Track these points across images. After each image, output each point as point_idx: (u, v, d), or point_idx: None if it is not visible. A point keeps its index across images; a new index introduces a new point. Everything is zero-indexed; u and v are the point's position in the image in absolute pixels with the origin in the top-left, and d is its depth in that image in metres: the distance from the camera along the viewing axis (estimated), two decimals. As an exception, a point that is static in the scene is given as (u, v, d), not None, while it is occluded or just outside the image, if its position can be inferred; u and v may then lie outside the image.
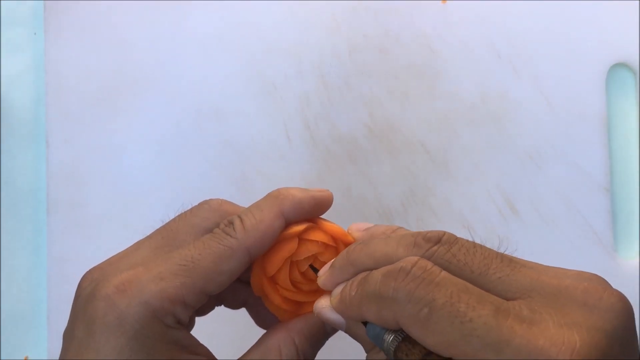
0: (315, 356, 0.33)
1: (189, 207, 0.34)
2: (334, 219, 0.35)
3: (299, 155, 0.51)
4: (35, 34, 0.53)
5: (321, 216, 0.35)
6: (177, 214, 0.34)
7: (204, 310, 0.36)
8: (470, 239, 0.29)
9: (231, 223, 0.32)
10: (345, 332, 0.32)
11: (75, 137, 0.50)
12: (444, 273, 0.27)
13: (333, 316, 0.31)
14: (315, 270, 0.33)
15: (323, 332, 0.33)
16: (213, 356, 0.32)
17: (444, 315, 0.26)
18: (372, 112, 0.51)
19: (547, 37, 0.52)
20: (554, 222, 0.50)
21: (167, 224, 0.33)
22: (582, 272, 0.28)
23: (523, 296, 0.26)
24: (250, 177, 0.50)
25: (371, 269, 0.29)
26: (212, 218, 0.33)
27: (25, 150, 0.51)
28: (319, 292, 0.33)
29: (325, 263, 0.33)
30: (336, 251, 0.34)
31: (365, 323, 0.30)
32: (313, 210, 0.34)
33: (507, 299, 0.27)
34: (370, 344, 0.30)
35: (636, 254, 0.50)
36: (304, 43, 0.52)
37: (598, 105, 0.51)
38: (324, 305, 0.31)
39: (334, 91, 0.51)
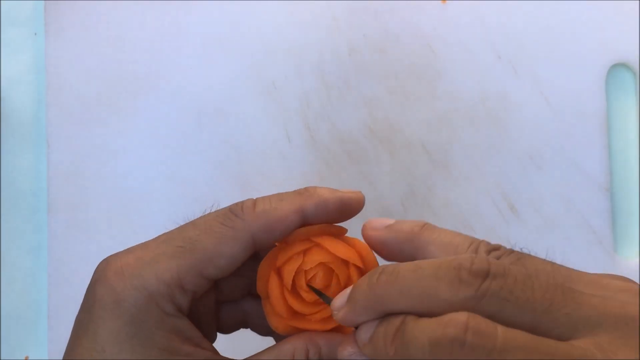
0: None
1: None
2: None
3: (299, 155, 0.51)
4: (35, 34, 0.53)
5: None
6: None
7: (228, 328, 0.34)
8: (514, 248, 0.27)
9: (242, 205, 0.30)
10: None
11: (76, 137, 0.51)
12: (501, 333, 0.23)
13: None
14: (315, 290, 0.30)
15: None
16: (217, 352, 0.31)
17: None
18: (372, 112, 0.51)
19: (547, 37, 0.52)
20: (554, 222, 0.50)
21: (191, 220, 0.31)
22: (635, 285, 0.26)
23: (591, 333, 0.24)
24: (251, 177, 0.50)
25: (404, 311, 0.26)
26: None
27: (25, 150, 0.52)
28: (319, 305, 0.31)
29: (338, 277, 0.30)
30: (360, 272, 0.31)
31: None
32: (339, 213, 0.31)
33: (575, 338, 0.24)
34: None
35: (636, 254, 0.50)
36: (304, 43, 0.52)
37: (598, 105, 0.51)
38: (351, 352, 0.28)
39: (334, 91, 0.51)
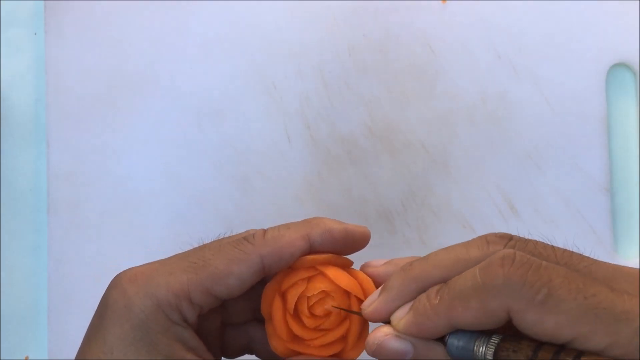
0: None
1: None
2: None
3: (299, 155, 0.51)
4: (35, 34, 0.53)
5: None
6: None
7: (232, 352, 0.35)
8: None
9: (253, 233, 0.32)
10: None
11: (76, 137, 0.51)
12: (544, 262, 0.27)
13: (398, 344, 0.28)
14: (342, 308, 0.32)
15: None
16: None
17: (564, 293, 0.25)
18: (372, 112, 0.51)
19: (547, 37, 0.52)
20: (554, 222, 0.50)
21: (204, 243, 0.33)
22: None
23: (610, 282, 0.27)
24: (251, 177, 0.50)
25: (440, 282, 0.28)
26: None
27: (25, 150, 0.52)
28: (319, 331, 0.32)
29: (332, 305, 0.32)
30: (358, 302, 0.32)
31: (443, 341, 0.27)
32: (344, 243, 0.33)
33: None
34: None
35: (636, 254, 0.50)
36: (304, 43, 0.52)
37: (598, 105, 0.51)
38: (387, 333, 0.29)
39: (334, 91, 0.51)
